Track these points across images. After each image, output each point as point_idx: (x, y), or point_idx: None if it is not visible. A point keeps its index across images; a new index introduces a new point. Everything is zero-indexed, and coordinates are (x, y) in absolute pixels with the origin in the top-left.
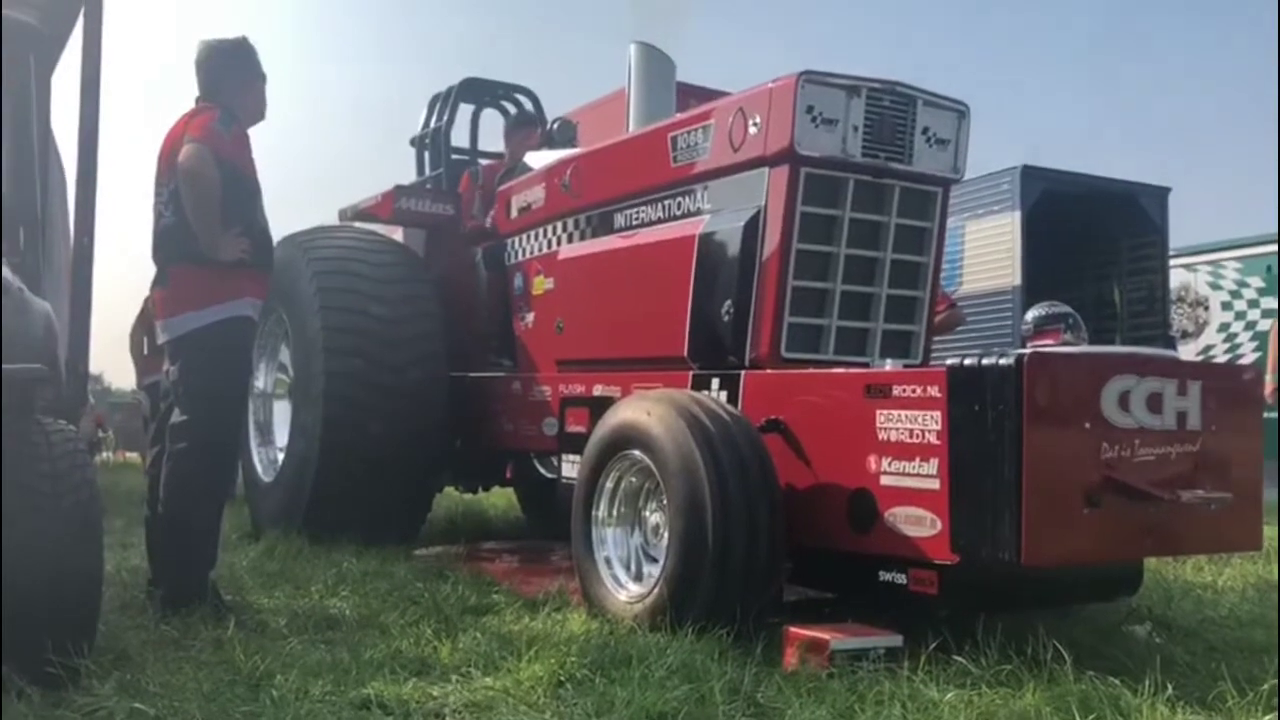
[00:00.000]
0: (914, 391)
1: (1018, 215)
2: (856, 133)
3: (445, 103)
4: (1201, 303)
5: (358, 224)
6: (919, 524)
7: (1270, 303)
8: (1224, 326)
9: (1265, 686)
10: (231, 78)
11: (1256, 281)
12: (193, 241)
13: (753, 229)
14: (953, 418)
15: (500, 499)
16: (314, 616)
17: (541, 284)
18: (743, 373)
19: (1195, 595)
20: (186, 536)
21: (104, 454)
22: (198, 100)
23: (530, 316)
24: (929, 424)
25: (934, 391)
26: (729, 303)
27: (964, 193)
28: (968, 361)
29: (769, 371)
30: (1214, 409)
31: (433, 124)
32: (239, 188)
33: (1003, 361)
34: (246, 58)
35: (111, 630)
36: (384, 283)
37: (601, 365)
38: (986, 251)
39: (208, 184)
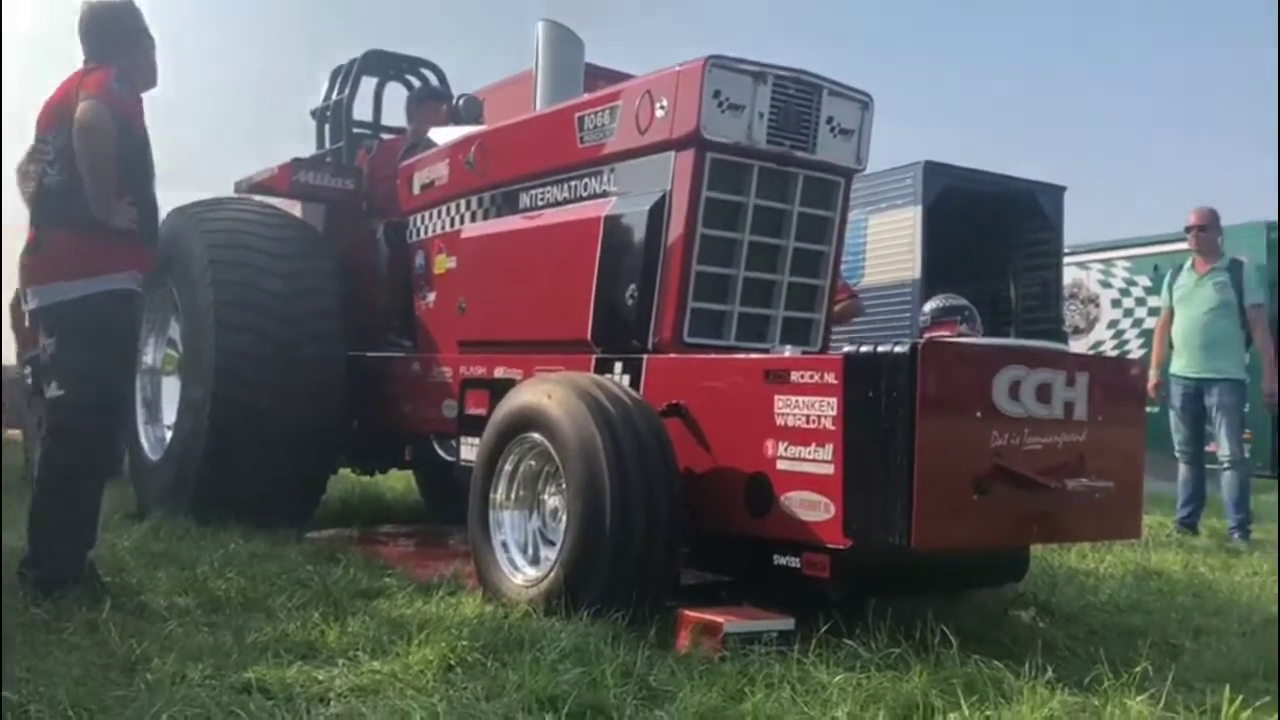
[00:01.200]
0: (811, 378)
1: (919, 210)
2: (762, 119)
3: (347, 75)
4: (1093, 300)
5: (255, 197)
6: (813, 508)
7: (1157, 301)
8: (1113, 323)
9: (1138, 669)
10: (120, 41)
11: (1144, 280)
12: (78, 205)
13: (658, 213)
14: (848, 404)
15: (398, 481)
16: (197, 599)
17: (443, 263)
18: (645, 357)
19: (1078, 581)
20: (61, 515)
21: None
22: (85, 64)
23: (431, 296)
24: (825, 410)
25: (830, 378)
26: (633, 286)
27: (867, 187)
28: (864, 349)
29: (671, 356)
30: (1100, 400)
31: (334, 96)
32: (133, 154)
33: (897, 350)
34: (134, 20)
35: None
36: (279, 257)
37: (503, 347)
38: (888, 245)
39: (106, 141)
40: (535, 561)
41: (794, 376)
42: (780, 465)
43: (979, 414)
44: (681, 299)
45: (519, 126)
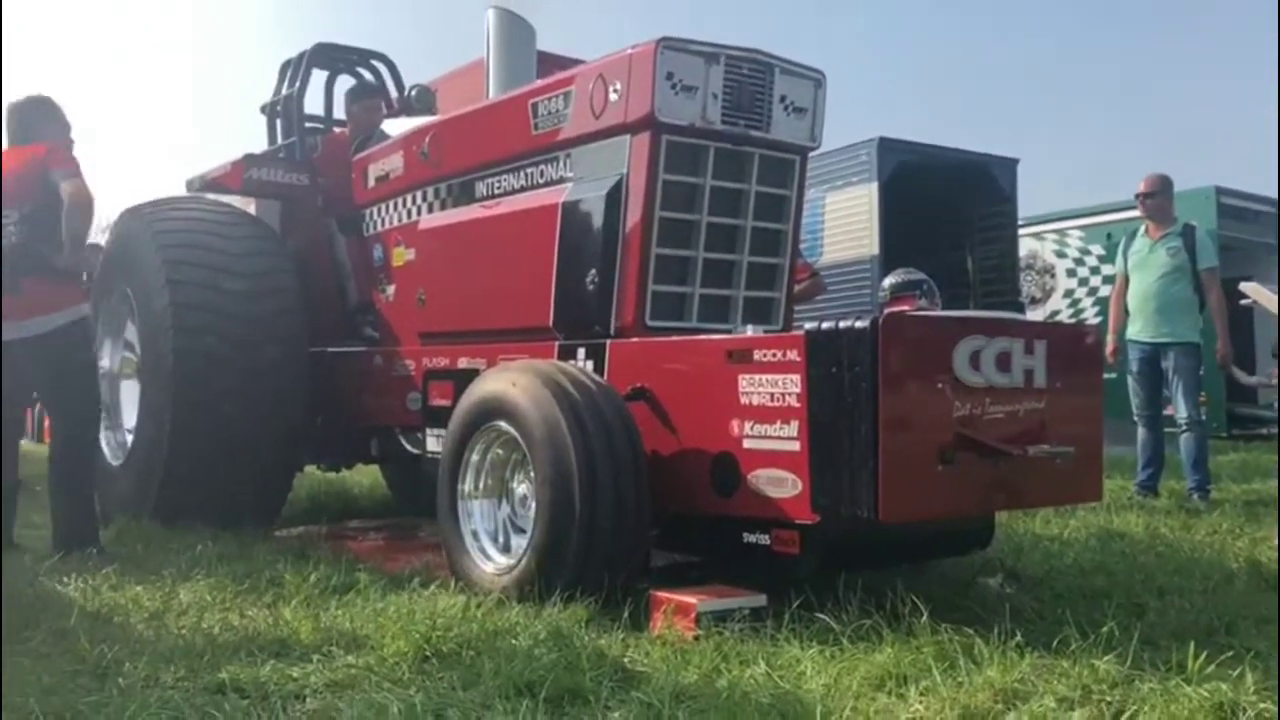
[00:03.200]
0: (774, 356)
1: (875, 186)
2: (716, 100)
3: (297, 69)
4: (1048, 270)
5: (208, 195)
6: (780, 485)
7: (1110, 269)
8: (1069, 293)
9: (1104, 629)
10: (55, 123)
11: (1098, 249)
12: (46, 255)
13: (615, 197)
14: (812, 380)
15: (365, 476)
16: (166, 602)
17: (402, 255)
18: (608, 342)
19: (1043, 547)
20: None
21: None
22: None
23: (391, 289)
24: (789, 387)
25: (793, 355)
26: (593, 272)
27: (823, 164)
28: (825, 325)
29: (634, 340)
30: (1058, 367)
31: (284, 91)
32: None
33: (859, 324)
34: (56, 108)
35: None
36: (237, 256)
37: (465, 337)
38: (846, 222)
39: (90, 210)
40: (506, 550)
41: (757, 355)
42: (746, 444)
43: (941, 385)
44: (642, 282)
45: (472, 115)
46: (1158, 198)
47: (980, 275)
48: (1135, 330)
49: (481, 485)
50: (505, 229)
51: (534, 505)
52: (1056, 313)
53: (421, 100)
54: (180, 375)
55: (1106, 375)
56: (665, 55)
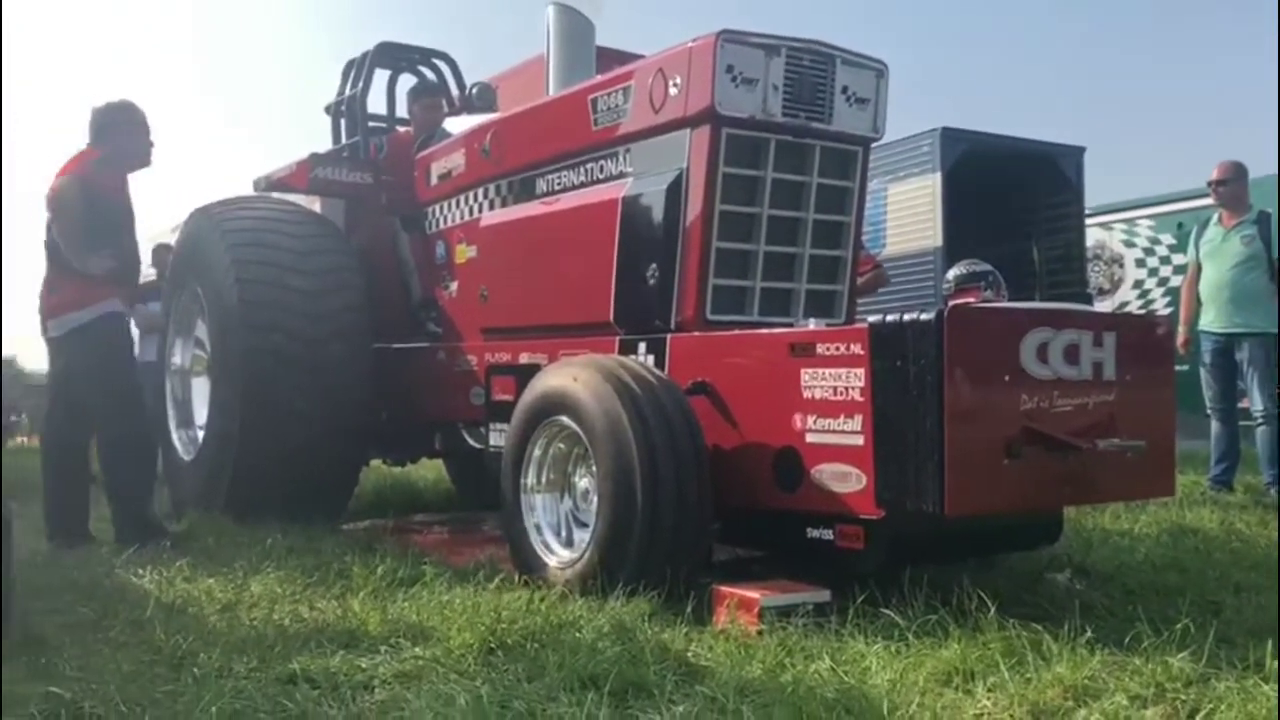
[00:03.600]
0: (837, 349)
1: (938, 177)
2: (777, 92)
3: (360, 69)
4: (1117, 260)
5: (274, 194)
6: (844, 480)
7: (1181, 259)
8: (1138, 283)
9: (1178, 626)
10: (109, 130)
11: (1168, 239)
12: (67, 256)
13: (675, 191)
14: (876, 374)
15: (429, 471)
16: (238, 594)
17: (464, 252)
18: (668, 336)
19: (1113, 542)
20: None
21: (18, 439)
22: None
23: (454, 285)
24: (853, 381)
25: (857, 349)
26: (654, 266)
27: (885, 156)
28: (889, 318)
29: (694, 334)
30: (1128, 359)
31: (347, 91)
32: (110, 217)
33: (923, 317)
34: (126, 115)
35: (25, 616)
36: (303, 254)
37: (527, 333)
38: (909, 214)
39: (68, 210)
40: (569, 544)
41: (820, 349)
42: (809, 438)
43: (1007, 378)
44: (703, 276)
45: (533, 112)
46: (1231, 185)
47: (1046, 266)
48: (1208, 321)
49: (544, 479)
50: (566, 225)
51: (596, 499)
52: (1125, 304)
53: (483, 98)
54: (249, 372)
55: (1178, 368)
56: (725, 48)
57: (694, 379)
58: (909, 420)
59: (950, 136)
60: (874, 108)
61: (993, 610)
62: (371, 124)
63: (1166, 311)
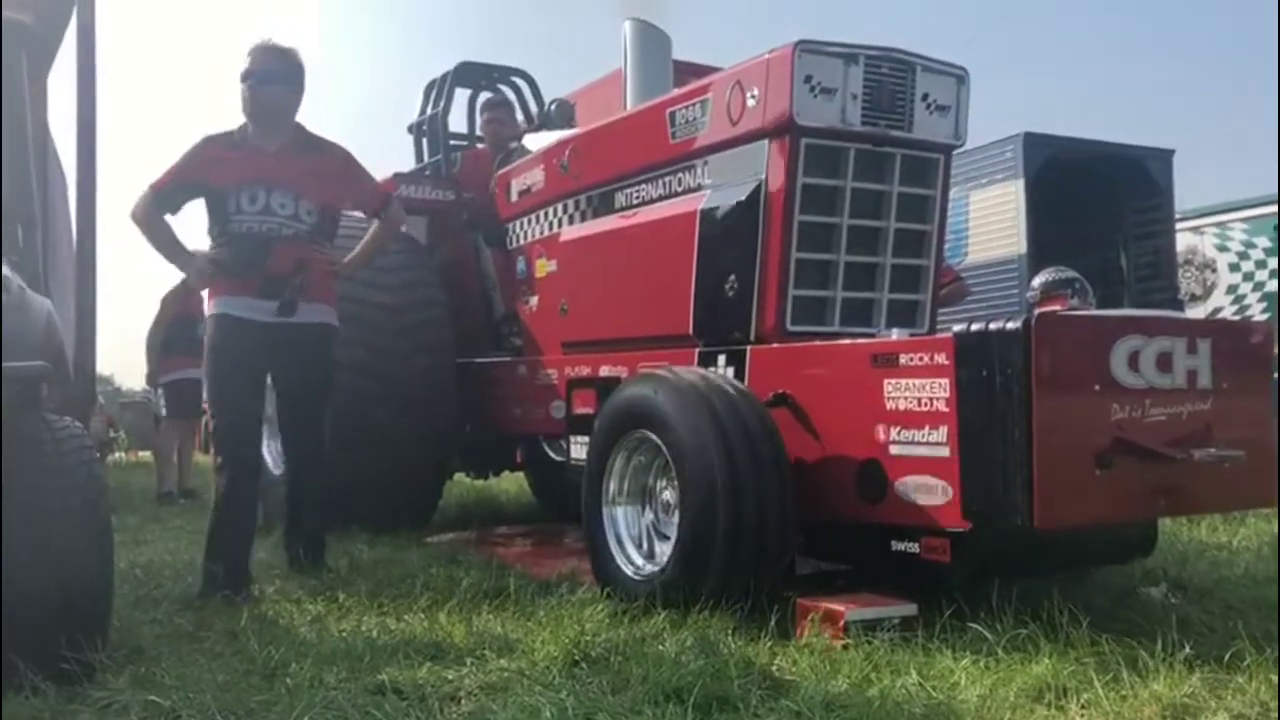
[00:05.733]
0: (921, 360)
1: (1021, 183)
2: (855, 101)
3: (440, 88)
4: (1209, 265)
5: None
6: (930, 492)
7: (1276, 263)
8: (1232, 288)
9: None
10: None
11: (1263, 242)
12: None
13: (754, 202)
14: (961, 384)
15: (511, 484)
16: (328, 605)
17: (544, 266)
18: (748, 348)
19: (1210, 555)
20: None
21: (116, 454)
22: None
23: (534, 300)
24: (937, 392)
25: (941, 359)
26: (733, 278)
27: (967, 162)
28: (975, 327)
29: (775, 346)
30: (1224, 367)
31: (429, 110)
32: (209, 201)
33: (1010, 326)
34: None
35: (125, 625)
36: (386, 270)
37: (606, 346)
38: (991, 221)
39: (144, 226)
40: (651, 556)
41: (903, 359)
42: (893, 450)
43: (1097, 387)
44: (782, 287)
45: (610, 128)
46: None
47: (1135, 273)
48: None
49: (625, 491)
50: (644, 238)
51: (677, 512)
52: (1219, 309)
53: (561, 113)
54: (335, 387)
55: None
56: (803, 58)
57: (775, 390)
58: (996, 431)
59: (1033, 141)
60: (955, 114)
61: (1085, 625)
62: (453, 142)
63: (1263, 317)
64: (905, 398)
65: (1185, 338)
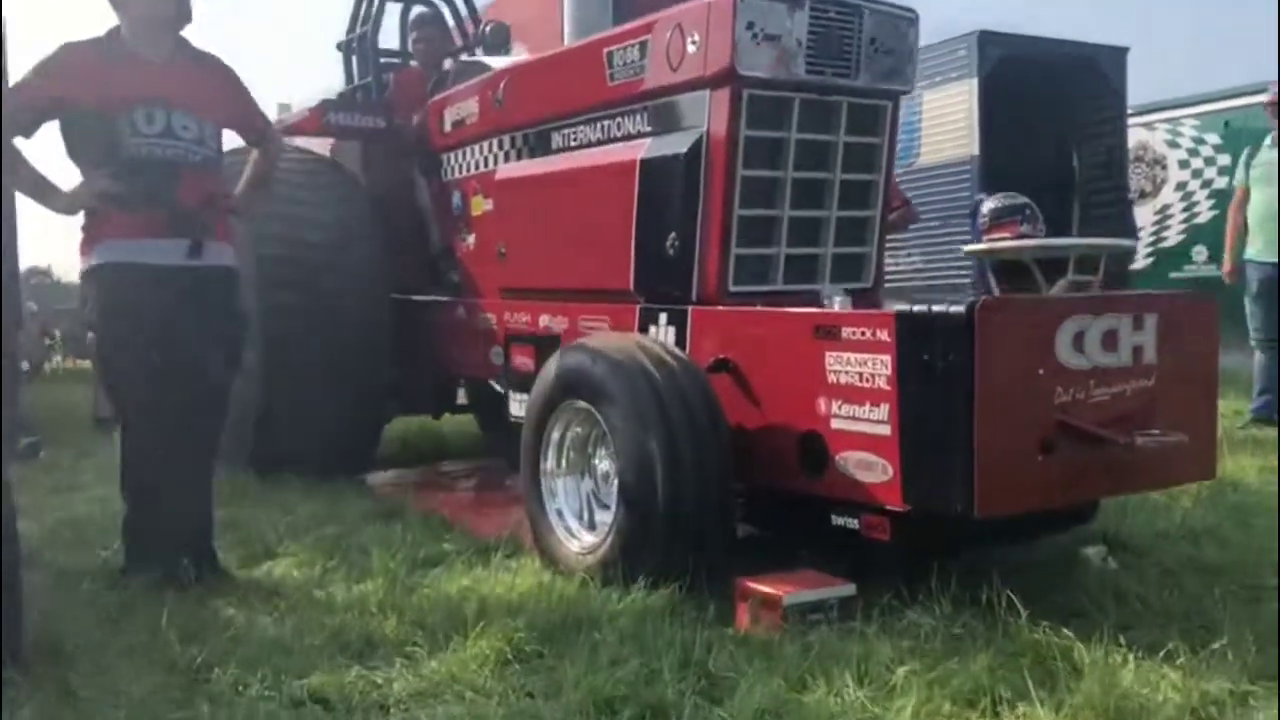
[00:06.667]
0: (863, 334)
1: (975, 83)
2: (800, 48)
3: (369, 3)
4: (1159, 161)
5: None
6: (870, 469)
7: (1226, 159)
8: (1181, 185)
9: (1215, 646)
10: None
11: (1213, 139)
12: None
13: (695, 156)
14: (902, 364)
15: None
16: (258, 583)
17: (480, 204)
18: (690, 309)
19: (1150, 505)
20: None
21: (54, 360)
22: None
23: (471, 238)
24: (879, 369)
25: (883, 335)
26: (674, 234)
27: (920, 61)
28: (917, 309)
29: (717, 309)
30: (1170, 341)
31: (358, 29)
32: (82, 124)
33: (953, 309)
34: None
35: (47, 611)
36: (320, 205)
37: (546, 295)
38: (944, 121)
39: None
40: (591, 526)
41: (845, 333)
42: (834, 424)
43: (1041, 371)
44: (725, 246)
45: (546, 63)
46: None
47: (1086, 173)
48: (1256, 249)
49: (564, 462)
50: (584, 184)
51: (615, 484)
52: (1167, 207)
53: (496, 36)
54: (269, 334)
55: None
56: (745, 4)
57: (716, 355)
58: (937, 415)
59: (988, 40)
60: (904, 58)
61: (1023, 614)
62: (386, 60)
63: (1210, 215)
64: (847, 372)
65: (1131, 314)
